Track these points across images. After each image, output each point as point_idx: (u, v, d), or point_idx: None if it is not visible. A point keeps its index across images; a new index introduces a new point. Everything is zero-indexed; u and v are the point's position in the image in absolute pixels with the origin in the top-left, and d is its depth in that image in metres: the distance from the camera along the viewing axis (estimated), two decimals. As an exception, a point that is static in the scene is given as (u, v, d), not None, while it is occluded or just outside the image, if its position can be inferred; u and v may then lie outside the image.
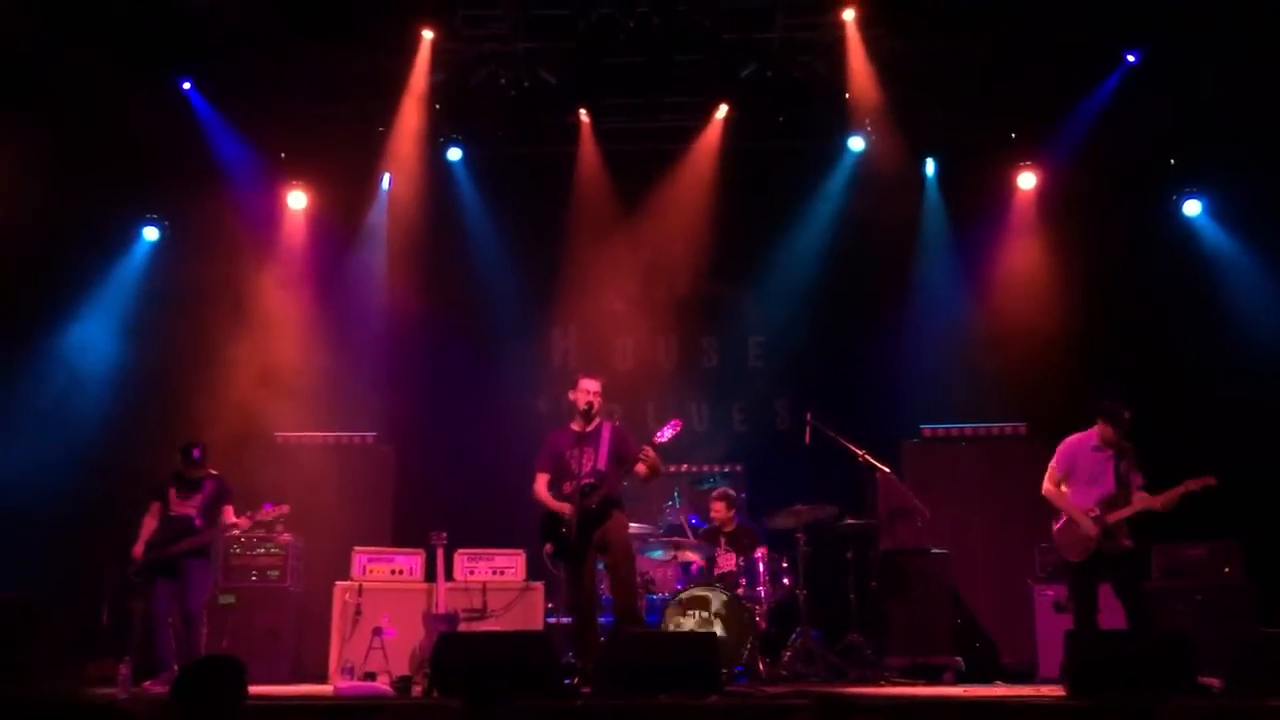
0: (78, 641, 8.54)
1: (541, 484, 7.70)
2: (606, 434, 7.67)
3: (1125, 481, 7.41)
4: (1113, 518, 7.34)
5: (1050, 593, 8.73)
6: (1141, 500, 7.33)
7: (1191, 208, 10.36)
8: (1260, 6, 9.10)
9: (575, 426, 7.73)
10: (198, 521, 8.03)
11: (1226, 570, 8.73)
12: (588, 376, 7.85)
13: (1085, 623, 7.37)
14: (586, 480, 7.49)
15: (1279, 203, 9.68)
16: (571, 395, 7.80)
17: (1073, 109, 10.25)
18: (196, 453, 8.14)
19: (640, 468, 7.54)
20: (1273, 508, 8.99)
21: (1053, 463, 7.68)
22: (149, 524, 8.11)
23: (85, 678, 7.74)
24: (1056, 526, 7.60)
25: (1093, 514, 7.40)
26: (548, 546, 7.65)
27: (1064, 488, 7.61)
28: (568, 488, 7.54)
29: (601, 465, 7.56)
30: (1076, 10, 9.66)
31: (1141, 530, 7.54)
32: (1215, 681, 6.60)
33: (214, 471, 8.24)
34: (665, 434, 7.62)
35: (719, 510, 9.10)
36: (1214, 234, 10.30)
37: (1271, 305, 9.73)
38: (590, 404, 7.68)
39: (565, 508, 7.47)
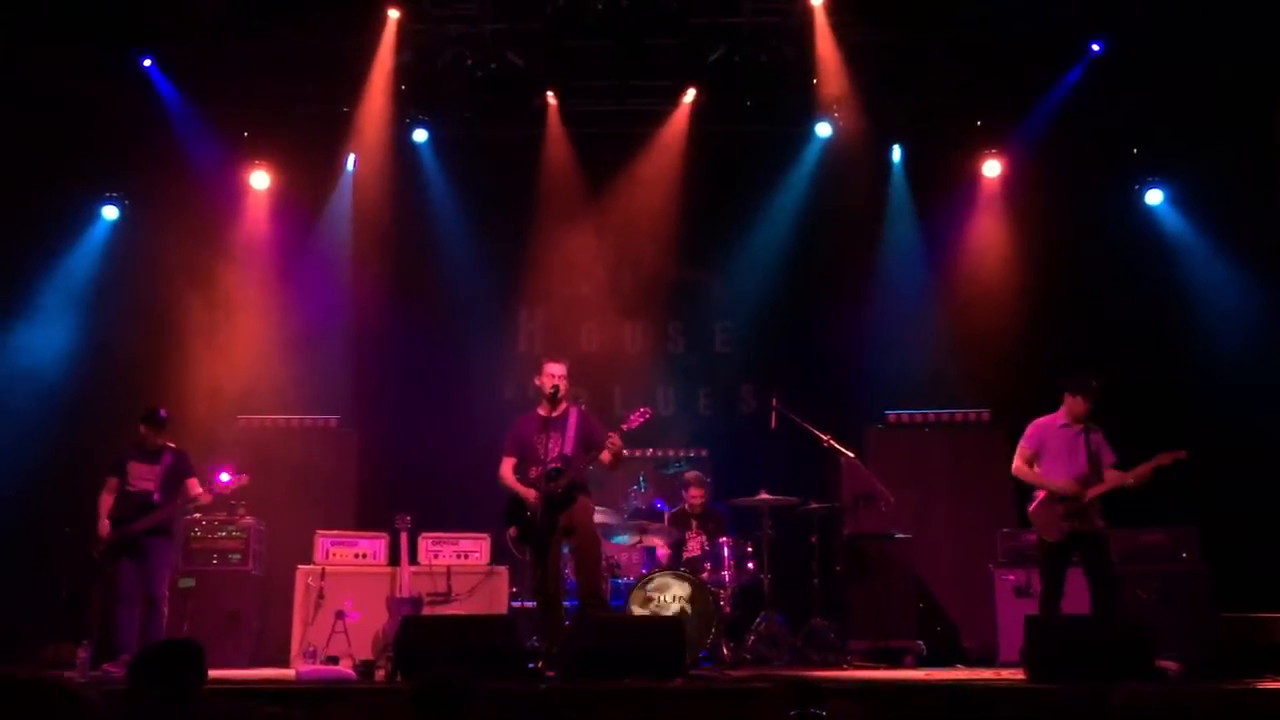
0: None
1: (507, 468, 7.68)
2: (573, 419, 7.66)
3: (1096, 458, 7.48)
4: (1090, 494, 7.40)
5: (1011, 577, 8.82)
6: (1115, 477, 7.41)
7: (1154, 196, 10.46)
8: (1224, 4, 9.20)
9: (542, 411, 7.71)
10: (157, 496, 7.93)
11: (1184, 555, 8.83)
12: (552, 360, 7.84)
13: (1050, 605, 7.44)
14: (553, 465, 7.47)
15: (1238, 192, 9.79)
16: (537, 380, 7.79)
17: (1038, 98, 10.31)
18: (163, 412, 8.05)
19: (605, 455, 7.54)
20: (1230, 493, 9.11)
21: (1022, 442, 7.73)
22: (107, 500, 7.99)
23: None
24: (1032, 507, 7.64)
25: (1069, 490, 7.44)
26: (512, 530, 7.64)
27: (1035, 467, 7.67)
28: (534, 472, 7.51)
29: (568, 450, 7.55)
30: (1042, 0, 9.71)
31: (1105, 512, 7.61)
32: (1173, 665, 6.69)
33: (172, 444, 8.15)
34: (634, 421, 7.62)
35: (696, 495, 9.12)
36: (1175, 222, 10.40)
37: (1230, 293, 9.85)
38: (556, 387, 7.66)
39: (530, 492, 7.45)
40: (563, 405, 7.72)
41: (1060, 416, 7.65)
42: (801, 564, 9.00)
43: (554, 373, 7.71)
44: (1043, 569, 7.67)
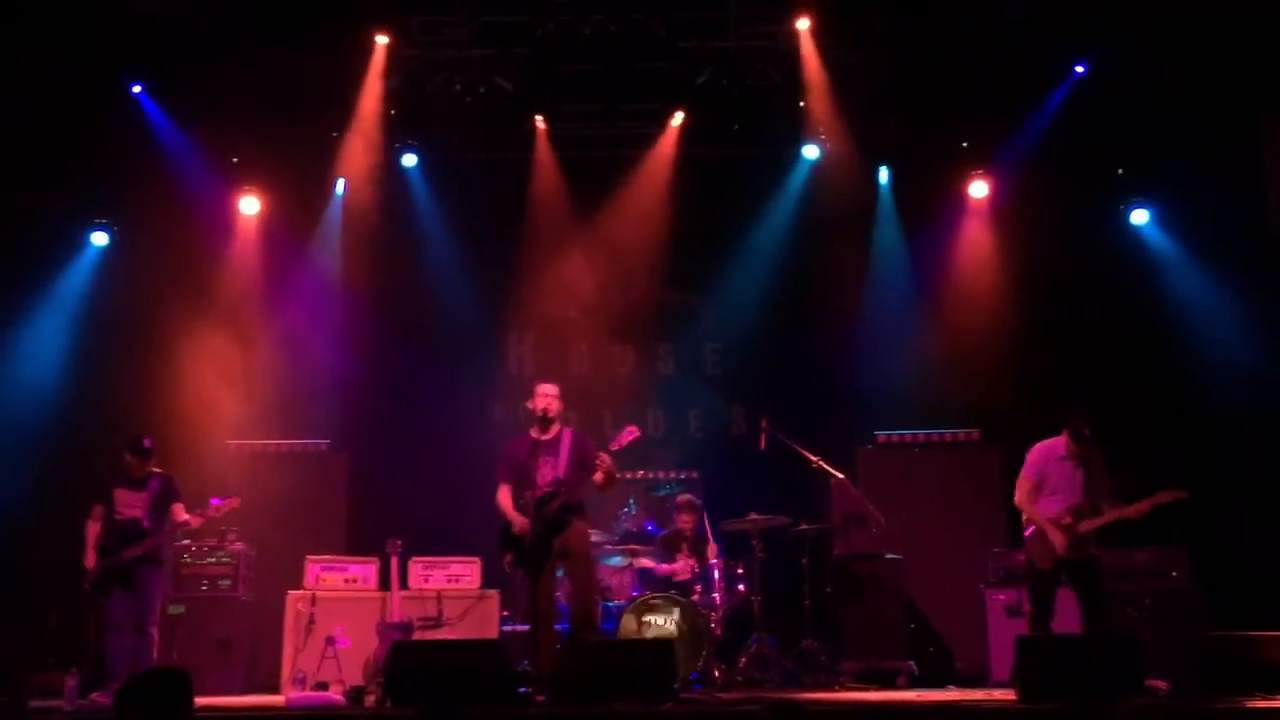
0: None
1: (504, 495, 7.62)
2: (567, 441, 7.63)
3: (1094, 490, 7.41)
4: (1084, 527, 7.33)
5: (1002, 597, 8.81)
6: (1114, 510, 7.34)
7: (1139, 216, 10.52)
8: (1204, 21, 9.27)
9: (534, 433, 7.70)
10: (145, 523, 7.88)
11: (1174, 574, 8.83)
12: (544, 382, 7.84)
13: (1041, 626, 7.42)
14: (546, 489, 7.46)
15: (1223, 210, 9.85)
16: (529, 403, 7.77)
17: (1023, 119, 10.39)
18: (148, 442, 8.00)
19: (597, 476, 7.51)
20: (1219, 512, 9.14)
21: (1024, 471, 7.63)
22: (93, 529, 7.91)
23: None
24: (1028, 534, 7.60)
25: (1063, 521, 7.37)
26: (508, 556, 7.60)
27: (1038, 498, 7.55)
28: (529, 496, 7.48)
29: (561, 473, 7.52)
30: (1026, 22, 9.78)
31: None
32: (1162, 684, 6.70)
33: (158, 470, 8.12)
34: (622, 440, 7.60)
35: (687, 521, 9.12)
36: (1161, 242, 10.46)
37: (1216, 313, 9.89)
38: (547, 409, 7.65)
39: (521, 520, 7.42)
40: (555, 427, 7.71)
41: (1059, 446, 7.55)
42: (792, 585, 8.99)
43: (546, 393, 7.70)
44: (1031, 591, 7.65)
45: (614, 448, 7.56)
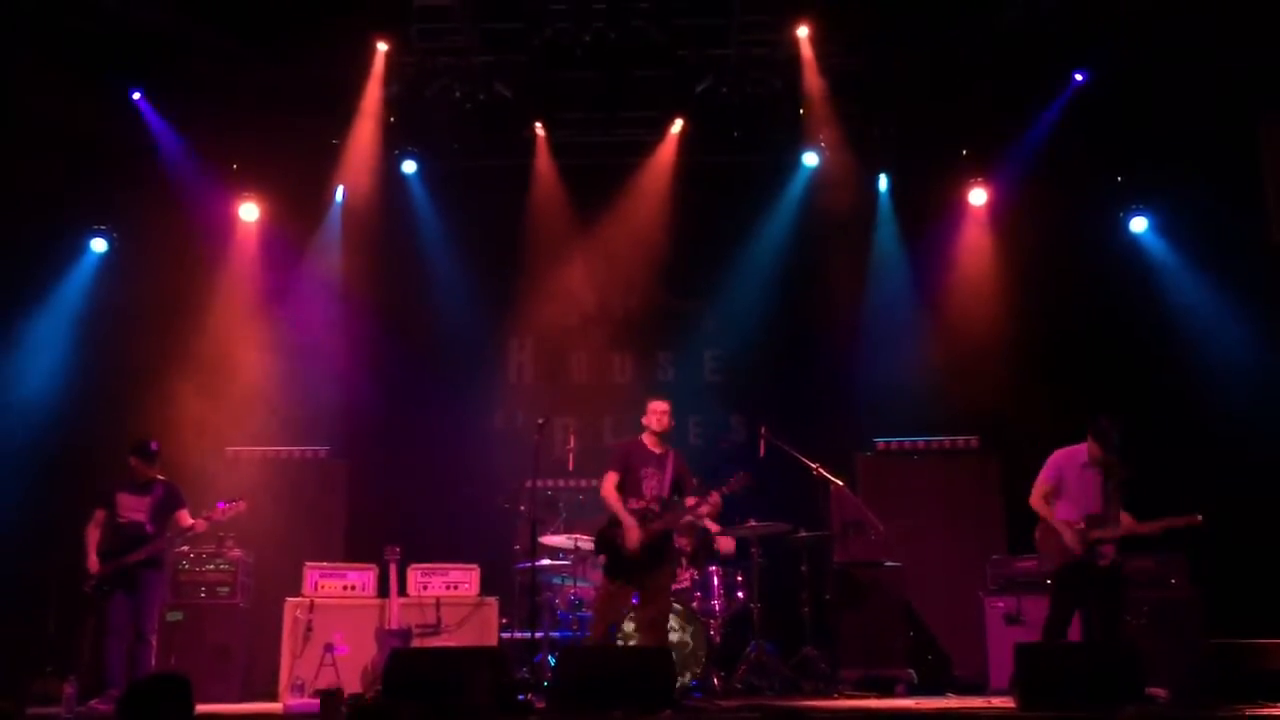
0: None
1: (611, 484, 7.50)
2: (671, 462, 7.63)
3: (1111, 500, 7.40)
4: (1095, 535, 7.33)
5: (1001, 605, 8.81)
6: (1129, 525, 7.35)
7: (1138, 224, 10.53)
8: (1204, 31, 9.30)
9: (651, 445, 7.64)
10: (149, 528, 7.89)
11: (1173, 582, 8.83)
12: (657, 398, 7.75)
13: (1054, 635, 7.37)
14: (650, 504, 7.46)
15: (1222, 219, 9.86)
16: (644, 419, 7.68)
17: (1023, 127, 10.40)
18: (154, 445, 8.02)
19: (704, 509, 7.61)
20: (1217, 519, 9.11)
21: (1042, 474, 7.65)
22: (94, 533, 7.94)
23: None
24: (1037, 534, 7.60)
25: (1078, 527, 7.37)
26: (602, 557, 7.58)
27: (1054, 502, 7.55)
28: (633, 505, 7.45)
29: (665, 492, 7.53)
30: (1026, 30, 9.80)
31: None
32: (1162, 692, 6.69)
33: (162, 476, 8.13)
34: (733, 485, 7.59)
35: (686, 544, 9.11)
36: (1160, 250, 10.47)
37: (1215, 320, 9.90)
38: (668, 425, 7.62)
39: (632, 526, 7.34)
40: (664, 444, 7.68)
41: (1082, 453, 7.55)
42: (792, 593, 8.99)
43: (660, 409, 7.65)
44: (1052, 598, 7.57)
45: (725, 491, 7.56)
